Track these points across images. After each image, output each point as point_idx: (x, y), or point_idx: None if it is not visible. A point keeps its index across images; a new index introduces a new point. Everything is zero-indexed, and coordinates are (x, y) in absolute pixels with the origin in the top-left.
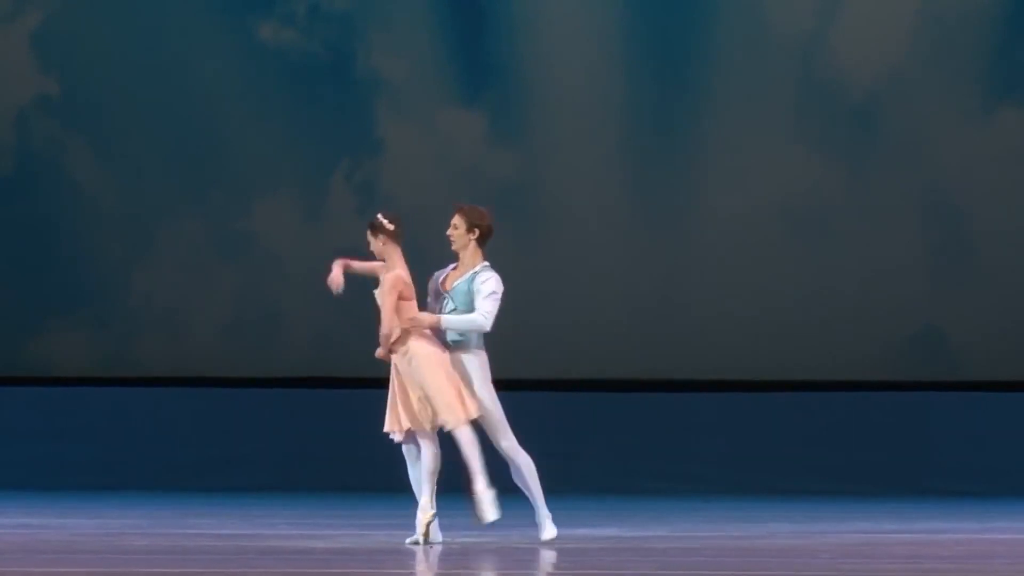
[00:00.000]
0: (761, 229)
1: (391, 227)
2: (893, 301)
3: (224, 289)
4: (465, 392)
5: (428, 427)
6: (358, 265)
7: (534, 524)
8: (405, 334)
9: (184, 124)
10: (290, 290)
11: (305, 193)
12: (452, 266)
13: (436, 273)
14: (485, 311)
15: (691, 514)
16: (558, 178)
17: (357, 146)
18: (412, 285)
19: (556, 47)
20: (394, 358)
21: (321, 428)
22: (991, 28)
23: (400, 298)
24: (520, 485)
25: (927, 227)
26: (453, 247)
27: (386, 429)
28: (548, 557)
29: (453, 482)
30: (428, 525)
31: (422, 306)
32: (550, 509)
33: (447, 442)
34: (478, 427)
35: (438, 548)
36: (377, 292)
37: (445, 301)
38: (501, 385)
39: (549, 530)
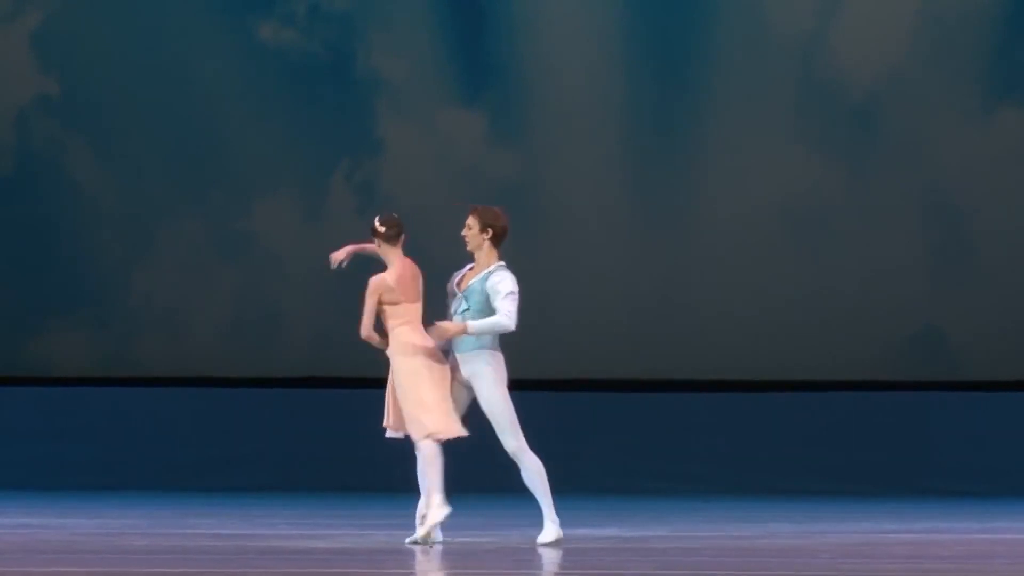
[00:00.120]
0: (761, 229)
1: (382, 229)
2: (893, 301)
3: (224, 289)
4: (442, 408)
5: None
6: (370, 248)
7: (534, 525)
8: (392, 339)
9: (184, 124)
10: (290, 290)
11: (305, 193)
12: (469, 267)
13: (454, 274)
14: (506, 311)
15: (691, 514)
16: (558, 178)
17: (357, 146)
18: (409, 287)
19: (556, 47)
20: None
21: (321, 428)
22: (991, 28)
23: (384, 302)
24: (529, 487)
25: (927, 227)
26: (468, 247)
27: (384, 424)
28: (548, 557)
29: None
30: (436, 524)
31: (437, 306)
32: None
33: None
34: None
35: (438, 548)
36: None
37: (459, 301)
38: None
39: (547, 533)
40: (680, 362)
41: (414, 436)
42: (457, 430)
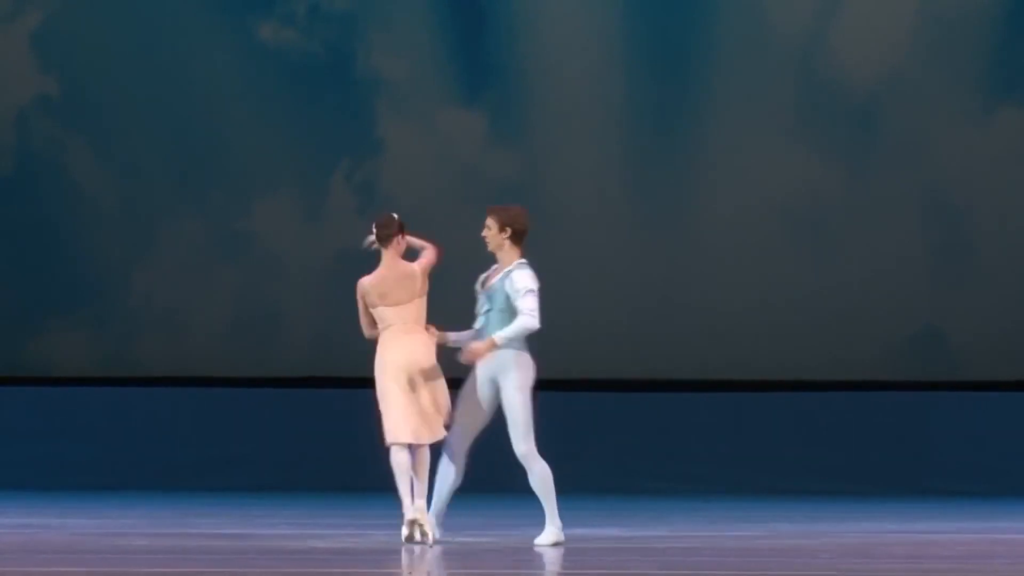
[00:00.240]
0: (761, 229)
1: (374, 230)
2: (893, 301)
3: (224, 289)
4: (404, 413)
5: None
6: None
7: (534, 526)
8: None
9: (184, 124)
10: (290, 290)
11: (305, 193)
12: (495, 267)
13: (481, 275)
14: (527, 309)
15: (691, 514)
16: (558, 178)
17: (357, 146)
18: (393, 290)
19: (556, 47)
20: None
21: (321, 428)
22: (991, 28)
23: (367, 304)
24: (535, 491)
25: (927, 227)
26: (488, 248)
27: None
28: (548, 557)
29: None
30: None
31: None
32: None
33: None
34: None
35: (438, 548)
36: None
37: (483, 301)
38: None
39: (547, 535)
40: (680, 362)
41: (386, 441)
42: (408, 435)
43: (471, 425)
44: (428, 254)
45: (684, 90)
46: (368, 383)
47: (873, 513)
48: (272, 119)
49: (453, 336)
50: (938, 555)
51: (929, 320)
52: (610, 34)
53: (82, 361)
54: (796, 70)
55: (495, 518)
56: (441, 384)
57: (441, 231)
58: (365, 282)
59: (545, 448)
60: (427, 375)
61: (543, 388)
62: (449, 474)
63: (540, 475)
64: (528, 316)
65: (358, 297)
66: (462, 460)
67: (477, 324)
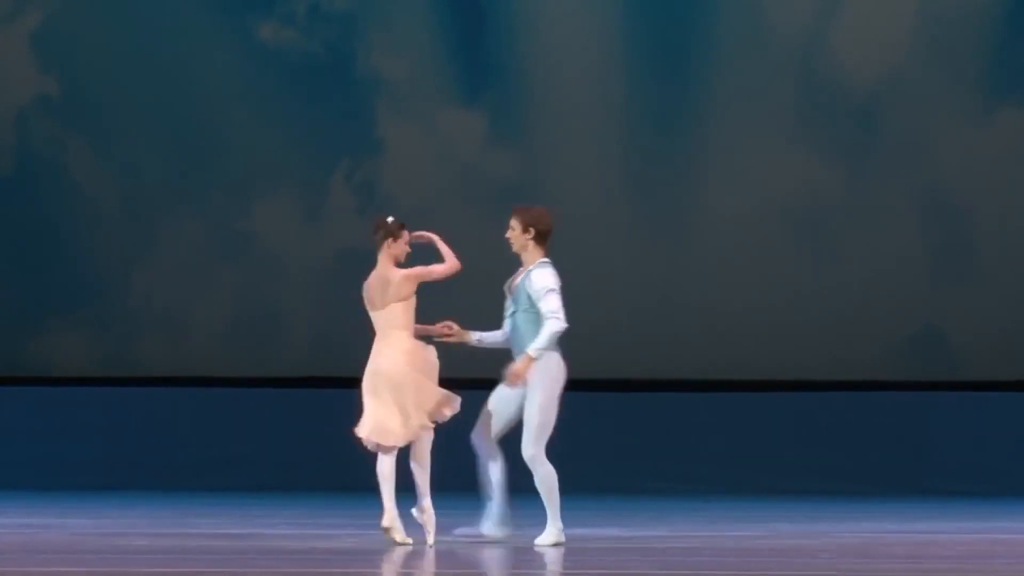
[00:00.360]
0: (761, 229)
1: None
2: (893, 301)
3: (224, 289)
4: (372, 417)
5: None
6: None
7: (534, 526)
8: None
9: (184, 124)
10: (290, 290)
11: (305, 193)
12: (520, 268)
13: (510, 278)
14: (550, 311)
15: (691, 514)
16: (558, 178)
17: (357, 146)
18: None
19: (556, 47)
20: None
21: (321, 428)
22: (991, 28)
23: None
24: (540, 492)
25: (927, 227)
26: (512, 249)
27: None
28: (548, 557)
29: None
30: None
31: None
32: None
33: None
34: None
35: (438, 548)
36: None
37: (509, 303)
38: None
39: (547, 536)
40: (680, 362)
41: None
42: (367, 433)
43: (497, 423)
44: (439, 266)
45: (684, 90)
46: None
47: (873, 513)
48: (272, 119)
49: (477, 335)
50: (938, 555)
51: (929, 320)
52: (610, 34)
53: (82, 361)
54: (796, 70)
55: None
56: (411, 388)
57: (441, 231)
58: (368, 282)
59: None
60: (392, 381)
61: None
62: (488, 473)
63: (544, 478)
64: (553, 319)
65: None
66: (492, 453)
67: (505, 326)
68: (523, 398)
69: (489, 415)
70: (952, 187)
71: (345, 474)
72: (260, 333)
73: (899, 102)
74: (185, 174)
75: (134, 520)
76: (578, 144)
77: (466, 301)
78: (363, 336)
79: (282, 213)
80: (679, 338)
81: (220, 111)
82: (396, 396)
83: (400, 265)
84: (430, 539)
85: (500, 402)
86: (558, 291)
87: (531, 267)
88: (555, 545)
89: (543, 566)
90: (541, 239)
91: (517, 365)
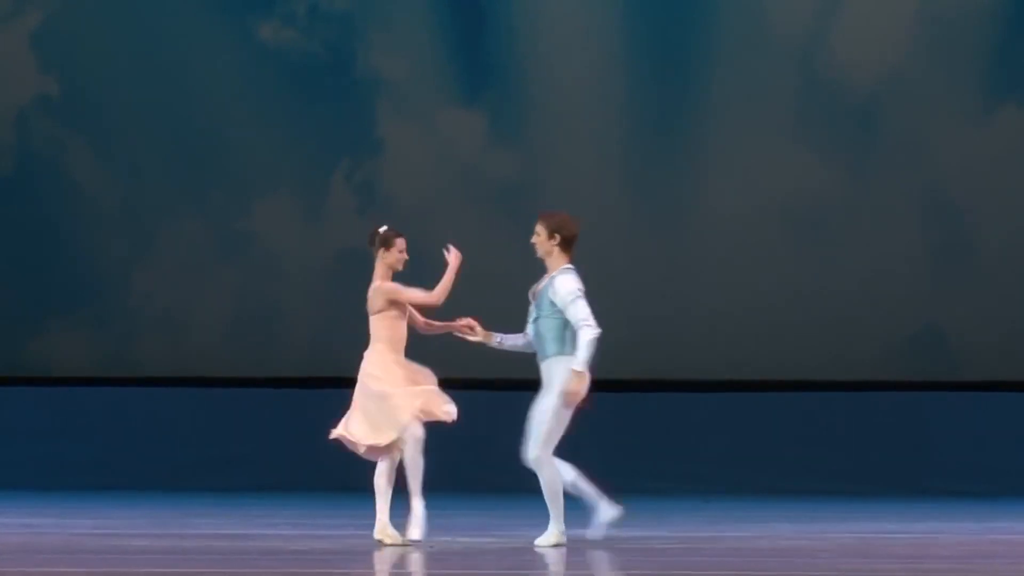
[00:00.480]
0: (761, 229)
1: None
2: (893, 301)
3: (224, 289)
4: (356, 428)
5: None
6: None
7: (534, 526)
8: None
9: (184, 124)
10: (290, 290)
11: (305, 193)
12: (545, 275)
13: (535, 284)
14: (580, 319)
15: (691, 514)
16: (558, 178)
17: (357, 146)
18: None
19: (556, 47)
20: None
21: (321, 428)
22: (991, 28)
23: None
24: (544, 494)
25: (927, 227)
26: (537, 255)
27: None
28: (548, 557)
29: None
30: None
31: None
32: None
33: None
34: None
35: (439, 548)
36: None
37: (532, 309)
38: (501, 385)
39: (547, 537)
40: (680, 362)
41: None
42: (335, 432)
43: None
44: (415, 292)
45: (684, 90)
46: None
47: (873, 513)
48: (272, 119)
49: (498, 337)
50: (938, 555)
51: (929, 320)
52: (610, 34)
53: (82, 361)
54: (796, 70)
55: (495, 518)
56: (375, 401)
57: (441, 231)
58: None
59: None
60: (363, 389)
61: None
62: (569, 481)
63: (549, 481)
64: (585, 328)
65: None
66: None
67: (529, 331)
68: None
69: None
70: (952, 187)
71: (345, 474)
72: (260, 333)
73: (899, 102)
74: (185, 174)
75: (134, 520)
76: (578, 144)
77: (467, 301)
78: (362, 336)
79: (282, 213)
80: (679, 338)
81: (220, 111)
82: (363, 404)
83: (397, 274)
84: (410, 534)
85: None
86: (583, 296)
87: (554, 273)
88: (555, 546)
89: (543, 566)
90: (566, 245)
91: (570, 385)
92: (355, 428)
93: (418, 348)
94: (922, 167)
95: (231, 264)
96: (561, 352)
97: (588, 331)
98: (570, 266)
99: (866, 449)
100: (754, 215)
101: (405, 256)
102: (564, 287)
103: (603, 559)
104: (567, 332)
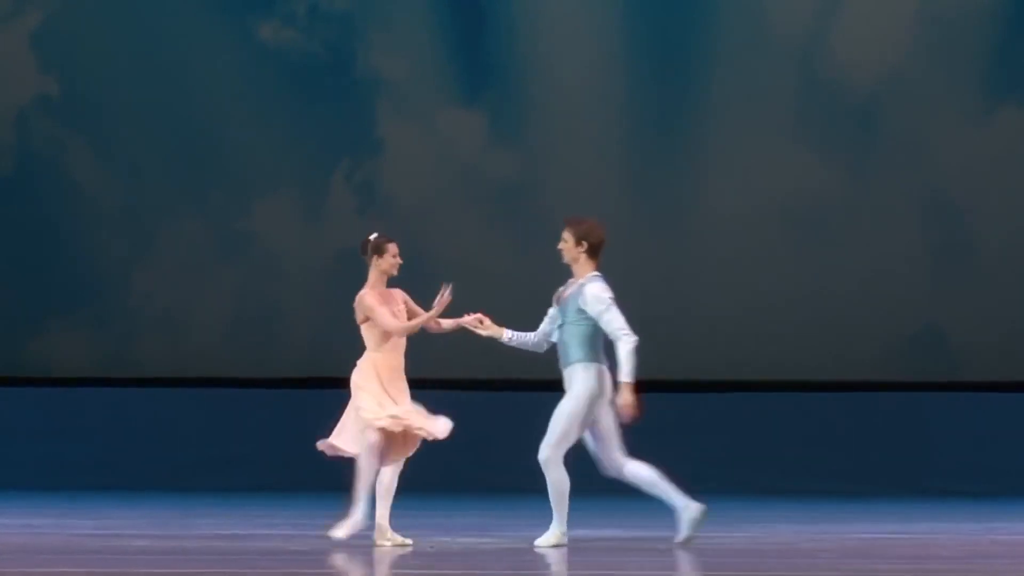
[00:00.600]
0: (761, 229)
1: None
2: (893, 301)
3: (224, 289)
4: (343, 430)
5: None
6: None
7: (534, 526)
8: None
9: (184, 124)
10: (290, 290)
11: (305, 193)
12: (570, 280)
13: (560, 288)
14: (616, 328)
15: None
16: (558, 178)
17: (357, 146)
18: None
19: (556, 47)
20: None
21: (321, 428)
22: (991, 28)
23: None
24: (550, 495)
25: (927, 227)
26: (563, 260)
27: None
28: (548, 558)
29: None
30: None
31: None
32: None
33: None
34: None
35: (439, 548)
36: None
37: (556, 314)
38: (501, 386)
39: (548, 537)
40: (680, 362)
41: None
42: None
43: (607, 446)
44: (383, 316)
45: (684, 90)
46: None
47: (873, 513)
48: (272, 119)
49: (508, 333)
50: (938, 555)
51: (929, 320)
52: (610, 34)
53: (82, 361)
54: (796, 70)
55: (495, 519)
56: (352, 410)
57: (441, 231)
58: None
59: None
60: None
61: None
62: (653, 485)
63: (556, 483)
64: (624, 337)
65: None
66: (637, 468)
67: (552, 337)
68: (609, 415)
69: (598, 447)
70: (952, 187)
71: (345, 474)
72: (260, 333)
73: (899, 102)
74: (185, 174)
75: (134, 520)
76: (578, 144)
77: (468, 301)
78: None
79: (282, 213)
80: (679, 338)
81: (220, 111)
82: (347, 412)
83: (392, 280)
84: (333, 531)
85: (591, 435)
86: (614, 304)
87: (583, 281)
88: (556, 546)
89: (544, 567)
90: (593, 252)
91: (626, 399)
92: (336, 435)
93: (419, 348)
94: (922, 167)
95: (231, 264)
96: (584, 359)
97: (628, 340)
98: (598, 274)
99: (866, 449)
100: (754, 215)
101: (399, 261)
102: (595, 296)
103: (604, 560)
104: (592, 339)
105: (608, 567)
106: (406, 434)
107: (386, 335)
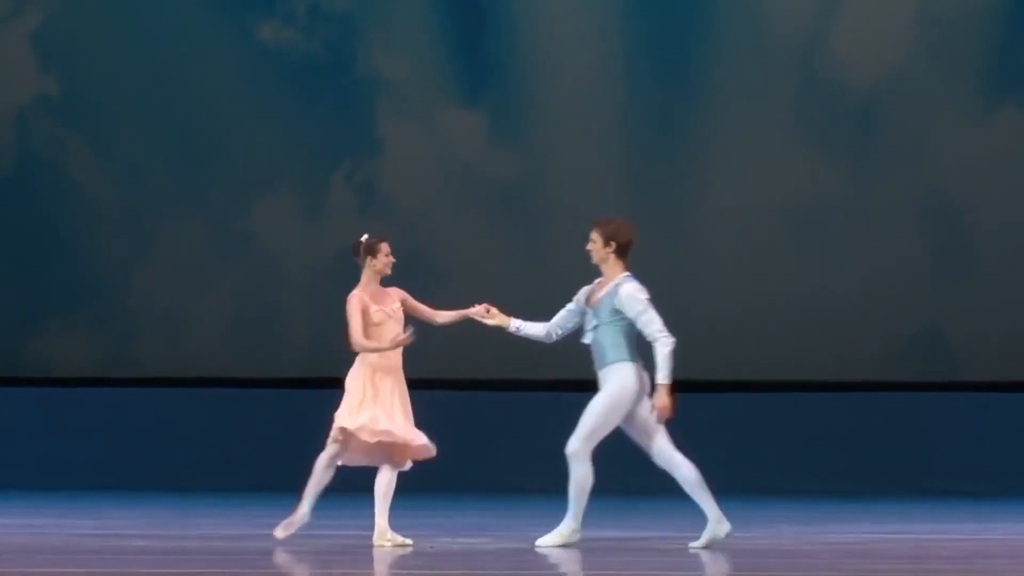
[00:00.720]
0: (761, 229)
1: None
2: (893, 301)
3: (224, 289)
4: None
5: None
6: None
7: (534, 526)
8: None
9: (184, 124)
10: (290, 290)
11: (305, 193)
12: (598, 280)
13: (582, 288)
14: (655, 330)
15: (691, 514)
16: (558, 178)
17: (357, 146)
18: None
19: (556, 47)
20: None
21: (321, 428)
22: (991, 28)
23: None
24: (569, 490)
25: (927, 227)
26: (593, 261)
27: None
28: (549, 558)
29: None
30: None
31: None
32: (551, 509)
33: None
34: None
35: (439, 548)
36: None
37: (590, 318)
38: (501, 386)
39: (551, 538)
40: (680, 362)
41: None
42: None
43: (655, 441)
44: (354, 327)
45: (684, 90)
46: None
47: (873, 513)
48: (272, 119)
49: (516, 323)
50: (938, 555)
51: (929, 320)
52: (610, 34)
53: (82, 361)
54: (796, 70)
55: (494, 519)
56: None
57: (441, 231)
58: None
59: (547, 448)
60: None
61: (544, 389)
62: (688, 485)
63: (580, 477)
64: (662, 339)
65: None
66: (678, 463)
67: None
68: (645, 408)
69: (641, 440)
70: (952, 187)
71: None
72: (260, 333)
73: (899, 102)
74: (185, 174)
75: (134, 520)
76: (578, 144)
77: (467, 301)
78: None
79: (282, 213)
80: (679, 338)
81: (220, 111)
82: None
83: (387, 279)
84: (276, 530)
85: (632, 429)
86: (650, 304)
87: (616, 282)
88: (563, 545)
89: (543, 567)
90: (622, 252)
91: (662, 401)
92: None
93: (419, 348)
94: (922, 167)
95: (231, 264)
96: (621, 359)
97: (666, 342)
98: (629, 274)
99: (866, 449)
100: (754, 215)
101: (392, 259)
102: (631, 296)
103: (605, 560)
104: (628, 339)
105: (608, 567)
106: (387, 444)
107: (378, 335)
